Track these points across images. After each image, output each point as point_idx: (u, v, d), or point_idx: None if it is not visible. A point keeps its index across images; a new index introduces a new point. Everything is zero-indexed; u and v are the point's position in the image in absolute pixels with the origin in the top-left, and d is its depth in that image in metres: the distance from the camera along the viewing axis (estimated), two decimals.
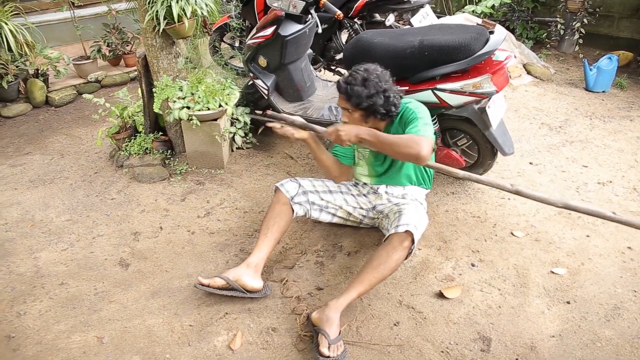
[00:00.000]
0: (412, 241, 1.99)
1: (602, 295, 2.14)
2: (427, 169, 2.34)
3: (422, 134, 1.95)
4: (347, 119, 2.13)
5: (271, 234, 2.19)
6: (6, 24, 3.97)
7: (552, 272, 2.27)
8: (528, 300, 2.12)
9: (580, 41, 5.10)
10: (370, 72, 2.07)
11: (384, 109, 2.07)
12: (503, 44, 2.48)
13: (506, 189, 1.92)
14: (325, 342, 1.80)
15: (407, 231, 1.98)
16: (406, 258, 2.01)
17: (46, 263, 2.41)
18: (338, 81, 2.12)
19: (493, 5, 5.26)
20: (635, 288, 2.17)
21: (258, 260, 2.15)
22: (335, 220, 2.42)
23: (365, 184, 2.42)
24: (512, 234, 2.54)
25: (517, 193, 1.90)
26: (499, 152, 2.70)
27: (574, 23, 5.02)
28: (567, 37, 5.20)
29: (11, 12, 4.15)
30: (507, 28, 5.38)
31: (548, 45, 5.34)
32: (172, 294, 2.19)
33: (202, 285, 2.07)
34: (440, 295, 2.14)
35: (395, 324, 2.01)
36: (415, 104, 2.15)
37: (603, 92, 4.35)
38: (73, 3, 4.81)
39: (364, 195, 2.41)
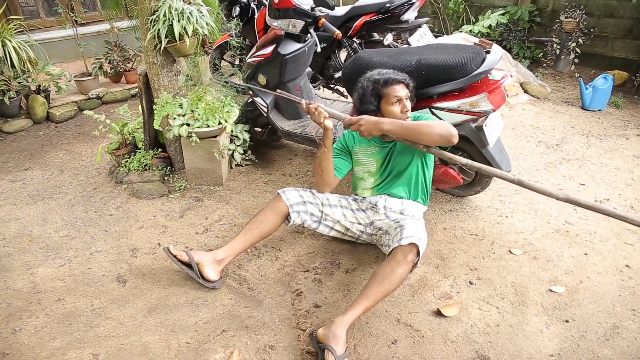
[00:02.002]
0: (417, 254, 2.00)
1: (601, 313, 2.13)
2: (425, 183, 2.37)
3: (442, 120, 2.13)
4: (408, 107, 2.23)
5: (250, 237, 2.29)
6: (10, 41, 4.03)
7: (551, 290, 2.27)
8: (526, 319, 2.11)
9: (576, 60, 5.19)
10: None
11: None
12: (499, 63, 2.52)
13: (508, 179, 2.01)
14: (332, 359, 1.79)
15: (411, 243, 1.99)
16: (411, 270, 2.02)
17: (43, 279, 2.40)
18: (385, 78, 2.21)
19: (490, 25, 5.36)
20: (634, 307, 2.16)
21: (225, 256, 2.28)
22: (333, 233, 2.43)
23: (364, 198, 2.44)
24: (510, 251, 2.54)
25: (520, 183, 1.98)
26: None
27: (569, 43, 5.10)
28: (563, 57, 5.28)
29: (15, 29, 4.22)
30: (504, 47, 5.47)
31: (544, 65, 5.42)
32: (169, 310, 2.18)
33: (170, 252, 2.25)
34: (438, 313, 2.14)
35: (393, 342, 2.00)
36: (417, 113, 2.36)
37: (599, 110, 4.40)
38: (76, 21, 4.89)
39: (363, 210, 2.43)
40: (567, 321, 2.09)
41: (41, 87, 4.45)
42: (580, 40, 5.06)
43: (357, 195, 2.49)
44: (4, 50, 3.99)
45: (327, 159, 2.28)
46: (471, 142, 2.62)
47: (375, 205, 2.37)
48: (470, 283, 2.32)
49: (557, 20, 5.25)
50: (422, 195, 2.38)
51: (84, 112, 3.49)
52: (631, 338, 2.00)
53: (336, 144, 2.45)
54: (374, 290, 1.93)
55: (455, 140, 2.00)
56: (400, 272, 1.95)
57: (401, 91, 2.20)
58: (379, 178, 2.39)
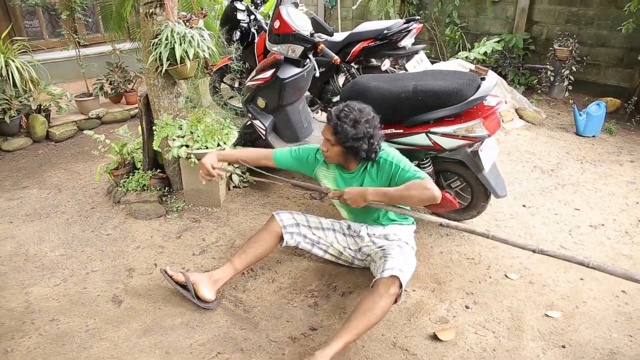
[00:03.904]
0: (400, 285, 1.99)
1: (598, 339, 2.13)
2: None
3: (421, 176, 2.04)
4: (325, 149, 2.18)
5: (245, 258, 2.32)
6: (13, 61, 4.09)
7: (547, 315, 2.26)
8: (523, 344, 2.10)
9: (570, 87, 5.28)
10: (363, 114, 2.10)
11: (365, 153, 2.13)
12: (495, 90, 2.57)
13: (482, 234, 1.99)
14: None
15: (392, 276, 1.99)
16: (396, 302, 2.01)
17: (37, 298, 2.38)
18: (329, 110, 2.16)
19: (485, 52, 5.47)
20: (631, 332, 2.16)
21: (221, 276, 2.29)
22: (327, 256, 2.46)
23: (349, 226, 2.45)
24: (506, 276, 2.55)
25: (493, 239, 1.96)
26: (492, 195, 2.74)
27: (563, 70, 5.20)
28: (557, 84, 5.37)
29: (19, 50, 4.28)
30: (500, 74, 5.57)
31: (539, 91, 5.52)
32: (164, 332, 2.16)
33: (167, 273, 2.29)
34: (434, 337, 2.13)
35: None
36: (387, 153, 2.20)
37: (593, 136, 4.46)
38: (79, 42, 4.97)
39: (352, 236, 2.45)
40: (563, 347, 2.09)
41: (42, 107, 4.49)
42: (573, 68, 5.17)
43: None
44: (7, 70, 4.04)
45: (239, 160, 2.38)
46: (467, 167, 2.66)
47: (359, 234, 2.38)
48: (467, 307, 2.32)
49: (550, 49, 5.37)
50: (399, 216, 2.34)
51: (84, 131, 3.53)
52: None
53: (303, 150, 2.42)
54: (356, 324, 1.91)
55: (438, 201, 1.96)
56: (382, 305, 1.93)
57: (325, 131, 2.16)
58: (345, 208, 2.38)
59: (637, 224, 3.01)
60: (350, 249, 2.44)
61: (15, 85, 4.10)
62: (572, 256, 1.85)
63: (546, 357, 2.04)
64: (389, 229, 2.33)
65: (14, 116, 4.26)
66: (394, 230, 2.34)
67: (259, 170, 2.45)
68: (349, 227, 2.45)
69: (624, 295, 2.39)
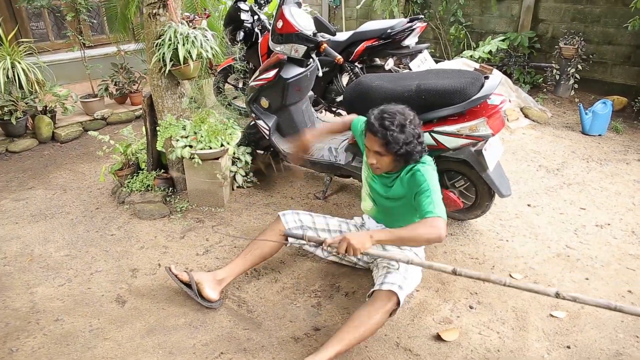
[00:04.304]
0: (397, 303, 1.96)
1: (604, 340, 2.11)
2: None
3: (437, 213, 1.87)
4: (375, 161, 2.05)
5: (250, 258, 2.32)
6: (19, 62, 4.11)
7: (552, 316, 2.25)
8: (527, 344, 2.09)
9: (576, 86, 5.24)
10: (406, 115, 1.98)
11: (419, 155, 2.01)
12: (499, 88, 2.55)
13: (446, 271, 1.81)
14: None
15: (390, 291, 1.96)
16: (390, 316, 1.99)
17: (42, 298, 2.40)
18: (369, 122, 2.00)
19: (490, 51, 5.44)
20: (637, 333, 2.14)
21: (225, 276, 2.30)
22: (331, 258, 2.46)
23: (363, 226, 2.43)
24: (510, 276, 2.53)
25: (457, 274, 1.79)
26: (496, 194, 2.72)
27: (568, 69, 5.17)
28: (562, 82, 5.33)
29: (25, 52, 4.31)
30: (505, 73, 5.54)
31: (544, 90, 5.48)
32: (168, 332, 2.17)
33: (171, 272, 2.29)
34: (438, 337, 2.12)
35: None
36: (429, 168, 2.05)
37: (599, 135, 4.42)
38: (84, 44, 5.00)
39: None
40: (569, 347, 2.07)
41: (47, 108, 4.52)
42: (579, 66, 5.13)
43: (363, 214, 2.47)
44: (13, 72, 4.07)
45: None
46: (471, 166, 2.64)
47: None
48: (471, 307, 2.31)
49: (556, 47, 5.33)
50: None
51: (89, 132, 3.55)
52: None
53: (355, 129, 2.38)
54: (349, 335, 1.89)
55: (441, 241, 1.84)
56: (376, 320, 1.92)
57: (372, 144, 2.02)
58: (375, 208, 2.34)
59: None
60: None
61: (21, 86, 4.13)
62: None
63: (551, 357, 2.02)
64: None
65: (20, 117, 4.30)
66: None
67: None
68: (362, 225, 2.42)
69: (630, 296, 2.37)
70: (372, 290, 2.03)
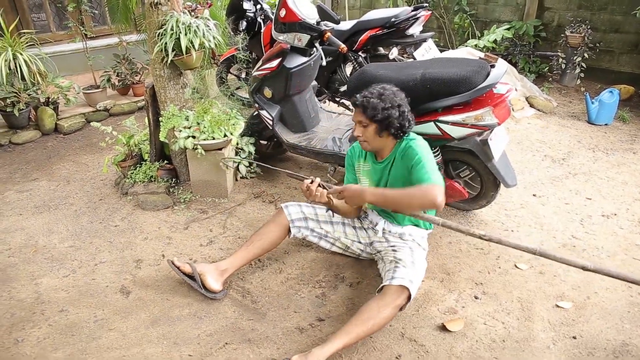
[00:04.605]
0: (408, 297, 1.96)
1: (610, 330, 2.10)
2: (429, 211, 2.28)
3: (433, 181, 1.91)
4: (360, 133, 2.12)
5: (252, 249, 2.32)
6: (21, 54, 4.09)
7: (557, 306, 2.23)
8: (533, 335, 2.08)
9: (582, 75, 5.18)
10: (386, 88, 2.10)
11: (399, 122, 2.06)
12: (505, 77, 2.52)
13: (475, 236, 1.85)
14: None
15: (401, 286, 1.95)
16: (400, 310, 1.98)
17: (47, 289, 2.40)
18: (354, 96, 2.12)
19: (495, 40, 5.38)
20: None
21: (228, 267, 2.29)
22: (334, 249, 2.46)
23: (366, 216, 2.42)
24: (515, 266, 2.51)
25: (491, 240, 1.87)
26: (501, 184, 2.70)
27: (575, 57, 5.10)
28: (568, 71, 5.28)
29: (27, 43, 4.29)
30: (510, 62, 5.48)
31: (550, 79, 5.42)
32: (172, 322, 2.17)
33: (174, 264, 2.28)
34: (443, 328, 2.11)
35: (397, 357, 1.97)
36: (420, 142, 2.11)
37: (605, 125, 4.38)
38: (86, 35, 4.97)
39: (364, 229, 2.42)
40: (574, 337, 2.06)
41: (50, 99, 4.51)
42: (585, 55, 5.06)
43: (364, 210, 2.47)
44: (15, 63, 4.05)
45: (340, 209, 2.27)
46: (476, 156, 2.62)
47: (375, 227, 2.34)
48: (476, 298, 2.30)
49: (562, 35, 5.27)
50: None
51: (92, 123, 3.53)
52: None
53: (346, 159, 2.43)
54: (357, 328, 1.89)
55: (441, 207, 1.85)
56: (386, 314, 1.91)
57: (356, 116, 2.12)
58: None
59: None
60: (360, 242, 2.41)
61: (23, 78, 4.11)
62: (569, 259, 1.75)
63: (557, 348, 2.01)
64: (406, 229, 2.27)
65: (23, 109, 4.29)
66: (410, 231, 2.27)
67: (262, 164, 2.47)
68: (365, 217, 2.42)
69: (637, 286, 2.34)
70: (382, 285, 2.02)
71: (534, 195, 3.20)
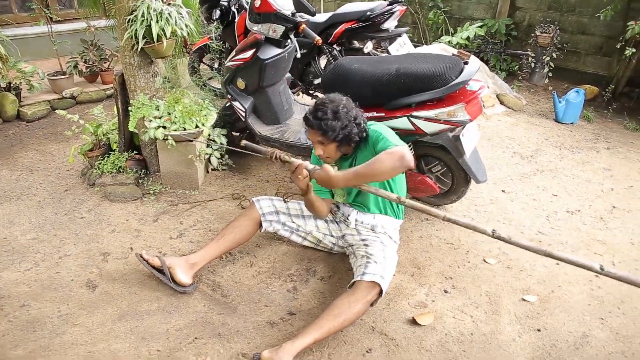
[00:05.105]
0: (379, 293, 1.97)
1: (572, 322, 2.17)
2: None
3: (393, 144, 1.93)
4: (321, 151, 2.11)
5: (223, 243, 2.29)
6: None
7: (523, 300, 2.30)
8: (500, 328, 2.13)
9: (550, 74, 5.32)
10: (337, 103, 2.05)
11: (358, 135, 2.08)
12: (477, 75, 2.55)
13: (487, 234, 1.77)
14: None
15: (372, 282, 1.96)
16: (371, 305, 2.00)
17: (7, 284, 2.31)
18: (305, 116, 2.08)
19: (468, 37, 5.45)
20: (602, 315, 2.21)
21: (198, 260, 2.26)
22: (306, 243, 2.45)
23: (338, 209, 2.42)
24: (484, 261, 2.57)
25: (499, 239, 1.75)
26: (472, 180, 2.74)
27: (544, 57, 5.23)
28: (537, 70, 5.40)
29: None
30: (481, 59, 5.57)
31: (520, 77, 5.54)
32: (140, 317, 2.12)
33: (142, 258, 2.23)
34: (413, 321, 2.14)
35: (367, 351, 1.99)
36: (376, 126, 2.14)
37: (571, 123, 4.51)
38: (51, 18, 4.77)
39: (336, 222, 2.42)
40: (539, 330, 2.12)
41: (12, 85, 4.31)
42: (554, 55, 5.20)
43: (334, 200, 2.44)
44: None
45: (311, 202, 2.22)
46: (448, 152, 2.65)
47: (347, 218, 2.34)
48: (445, 292, 2.34)
49: (532, 35, 5.38)
50: (391, 208, 2.31)
51: (57, 111, 3.40)
52: (599, 347, 2.04)
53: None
54: (328, 323, 1.89)
55: (412, 164, 1.85)
56: (357, 310, 1.92)
57: (312, 136, 2.09)
58: (344, 191, 2.33)
59: (612, 210, 3.07)
60: (331, 236, 2.41)
61: None
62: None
63: (522, 340, 2.07)
64: (378, 220, 2.28)
65: None
66: (382, 222, 2.28)
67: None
68: (337, 210, 2.41)
69: (597, 280, 2.44)
70: (353, 280, 2.02)
71: (503, 191, 3.28)
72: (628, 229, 2.88)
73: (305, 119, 2.09)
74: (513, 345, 2.04)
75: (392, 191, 2.25)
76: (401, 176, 2.29)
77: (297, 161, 2.01)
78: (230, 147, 2.65)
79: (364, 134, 2.11)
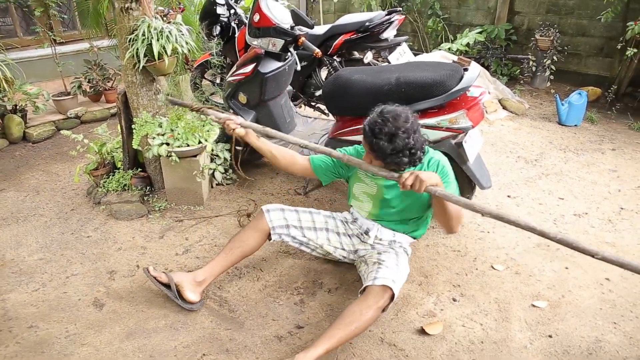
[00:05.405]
0: (391, 297, 1.93)
1: (584, 327, 2.14)
2: (427, 221, 2.29)
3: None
4: (369, 160, 2.00)
5: (231, 256, 2.25)
6: None
7: (533, 306, 2.27)
8: (510, 335, 2.10)
9: (552, 77, 5.32)
10: (399, 123, 1.86)
11: (409, 165, 1.93)
12: (478, 80, 2.55)
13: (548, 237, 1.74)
14: None
15: (384, 286, 1.92)
16: (383, 311, 1.95)
17: (15, 305, 2.31)
18: (365, 123, 1.94)
19: (468, 43, 5.47)
20: (615, 320, 2.18)
21: (206, 277, 2.23)
22: (315, 254, 2.42)
23: (355, 220, 2.31)
24: (492, 267, 2.54)
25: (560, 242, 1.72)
26: (477, 186, 2.73)
27: (544, 60, 5.23)
28: (539, 74, 5.41)
29: None
30: (482, 65, 5.58)
31: (521, 81, 5.54)
32: (148, 335, 2.12)
33: (150, 273, 2.22)
34: (422, 331, 2.11)
35: None
36: (441, 158, 2.06)
37: (575, 126, 4.49)
38: (55, 40, 4.84)
39: (349, 236, 2.32)
40: (550, 336, 2.09)
41: (18, 107, 4.37)
42: (555, 58, 5.20)
43: (352, 209, 2.34)
44: None
45: (261, 148, 2.20)
46: (451, 159, 2.64)
47: (367, 233, 2.23)
48: (454, 300, 2.31)
49: (532, 39, 5.39)
50: (422, 230, 2.27)
51: (62, 131, 3.43)
52: (613, 351, 2.01)
53: (349, 150, 2.25)
54: (340, 332, 1.86)
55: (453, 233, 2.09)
56: (369, 316, 1.88)
57: (364, 143, 1.98)
58: (377, 206, 2.19)
59: (620, 212, 3.04)
60: (343, 249, 2.32)
61: None
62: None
63: (533, 347, 2.04)
64: (397, 237, 2.22)
65: None
66: (400, 239, 2.23)
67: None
68: (353, 222, 2.31)
69: (608, 283, 2.41)
70: (364, 286, 1.99)
71: (508, 196, 3.26)
72: (637, 230, 2.84)
73: (364, 125, 1.94)
74: (525, 353, 2.01)
75: (427, 216, 2.26)
76: (429, 215, 2.26)
77: (224, 115, 2.13)
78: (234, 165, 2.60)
79: (418, 162, 1.96)
